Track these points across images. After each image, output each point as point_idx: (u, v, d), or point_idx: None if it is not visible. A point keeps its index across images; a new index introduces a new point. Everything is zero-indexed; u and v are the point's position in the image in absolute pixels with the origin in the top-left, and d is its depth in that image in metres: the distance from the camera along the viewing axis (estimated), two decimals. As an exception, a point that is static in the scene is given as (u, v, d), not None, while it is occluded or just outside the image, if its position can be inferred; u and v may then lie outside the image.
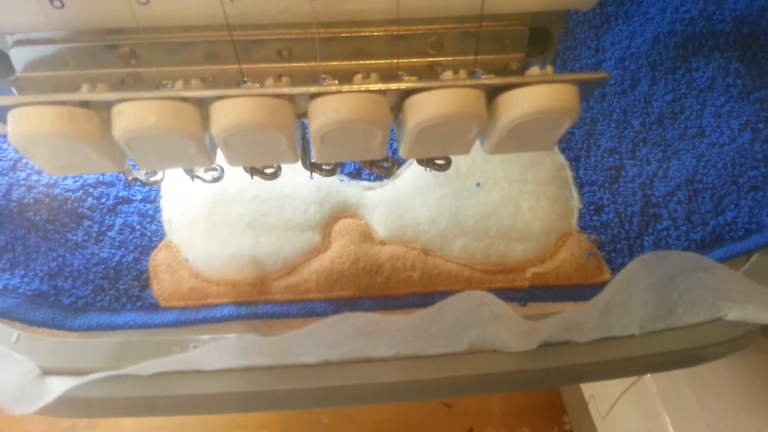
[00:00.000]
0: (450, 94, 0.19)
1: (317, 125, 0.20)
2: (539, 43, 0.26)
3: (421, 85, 0.20)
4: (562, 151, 0.39)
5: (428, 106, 0.19)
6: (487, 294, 0.27)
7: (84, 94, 0.19)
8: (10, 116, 0.19)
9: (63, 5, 0.22)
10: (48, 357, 0.30)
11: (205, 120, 0.20)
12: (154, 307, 0.33)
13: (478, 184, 0.37)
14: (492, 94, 0.20)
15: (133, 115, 0.18)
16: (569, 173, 0.38)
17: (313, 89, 0.20)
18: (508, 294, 0.33)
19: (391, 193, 0.37)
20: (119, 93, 0.19)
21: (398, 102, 0.21)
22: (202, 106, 0.20)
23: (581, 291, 0.34)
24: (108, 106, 0.19)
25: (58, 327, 0.33)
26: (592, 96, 0.39)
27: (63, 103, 0.19)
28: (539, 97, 0.19)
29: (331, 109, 0.19)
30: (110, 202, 0.36)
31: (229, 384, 0.29)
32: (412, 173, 0.38)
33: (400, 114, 0.21)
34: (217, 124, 0.19)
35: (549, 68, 0.21)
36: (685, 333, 0.30)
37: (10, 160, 0.37)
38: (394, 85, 0.20)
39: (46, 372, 0.30)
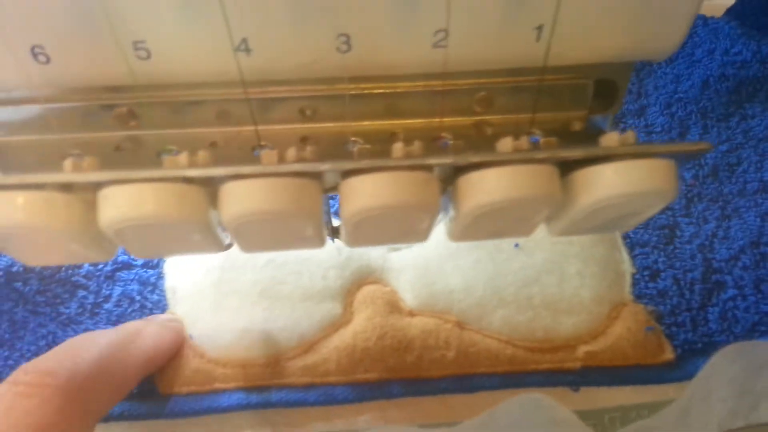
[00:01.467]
0: (518, 173, 0.15)
1: (351, 211, 0.16)
2: (603, 97, 0.22)
3: (479, 159, 0.16)
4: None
5: (491, 187, 0.15)
6: (543, 397, 0.23)
7: (64, 174, 0.16)
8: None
9: (48, 60, 0.18)
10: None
11: (213, 201, 0.16)
12: (153, 394, 0.29)
13: (517, 245, 0.33)
14: (564, 167, 0.17)
15: (122, 202, 0.15)
16: (617, 233, 0.34)
17: (346, 165, 0.16)
18: (556, 377, 0.29)
19: (420, 256, 0.33)
20: (107, 173, 0.15)
21: (447, 174, 0.18)
22: (211, 184, 0.16)
23: (641, 372, 0.29)
24: (95, 187, 0.16)
25: (44, 415, 0.29)
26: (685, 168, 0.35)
27: (38, 186, 0.15)
28: (631, 176, 0.15)
29: (368, 191, 0.15)
30: (108, 268, 0.33)
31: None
32: (442, 232, 0.34)
33: (450, 189, 0.18)
34: (227, 211, 0.15)
35: (630, 134, 0.17)
36: (768, 429, 0.26)
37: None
38: (446, 160, 0.16)
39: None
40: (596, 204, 0.16)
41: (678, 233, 0.34)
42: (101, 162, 0.17)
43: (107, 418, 0.28)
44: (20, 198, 0.15)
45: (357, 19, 0.18)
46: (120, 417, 0.28)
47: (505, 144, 0.17)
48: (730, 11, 0.44)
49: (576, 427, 0.22)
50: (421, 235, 0.18)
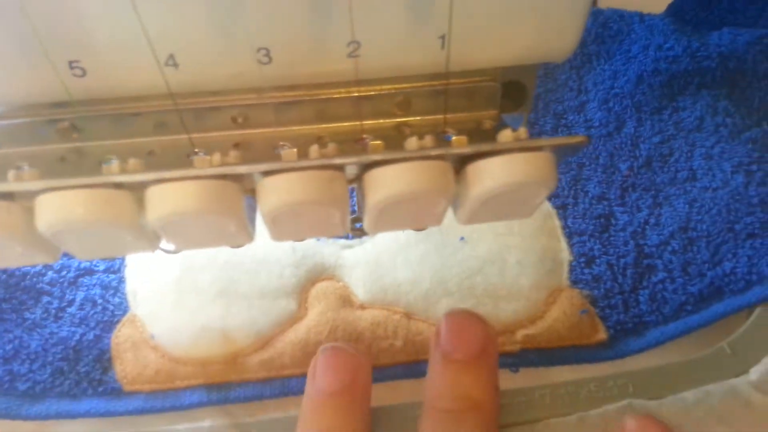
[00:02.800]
0: (412, 169, 0.17)
1: (267, 208, 0.17)
2: (514, 97, 0.24)
3: (378, 157, 0.18)
4: (549, 198, 0.37)
5: (388, 183, 0.17)
6: None
7: (6, 184, 0.17)
8: None
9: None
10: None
11: (141, 205, 0.18)
12: (118, 391, 0.30)
13: (462, 239, 0.35)
14: (462, 161, 0.19)
15: (56, 208, 0.16)
16: (557, 222, 0.36)
17: (263, 167, 0.18)
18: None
19: (371, 252, 0.35)
20: (42, 182, 0.17)
21: (360, 173, 0.19)
22: (140, 189, 0.18)
23: (575, 353, 0.31)
24: (31, 195, 0.17)
25: (12, 416, 0.30)
26: (570, 158, 0.37)
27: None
28: (510, 168, 0.17)
29: (282, 189, 0.17)
30: (71, 274, 0.34)
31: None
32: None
33: (362, 186, 0.19)
34: (151, 212, 0.17)
35: (522, 131, 0.19)
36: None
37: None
38: (349, 160, 0.18)
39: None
40: (485, 194, 0.18)
41: (613, 222, 0.36)
42: (45, 173, 0.19)
43: (73, 415, 0.30)
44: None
45: (275, 34, 0.20)
46: (86, 414, 0.30)
47: (411, 142, 0.19)
48: (669, 7, 0.47)
49: None
50: (338, 229, 0.20)
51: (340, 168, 0.18)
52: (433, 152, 0.18)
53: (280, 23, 0.20)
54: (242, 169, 0.17)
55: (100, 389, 0.31)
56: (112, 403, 0.30)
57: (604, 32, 0.45)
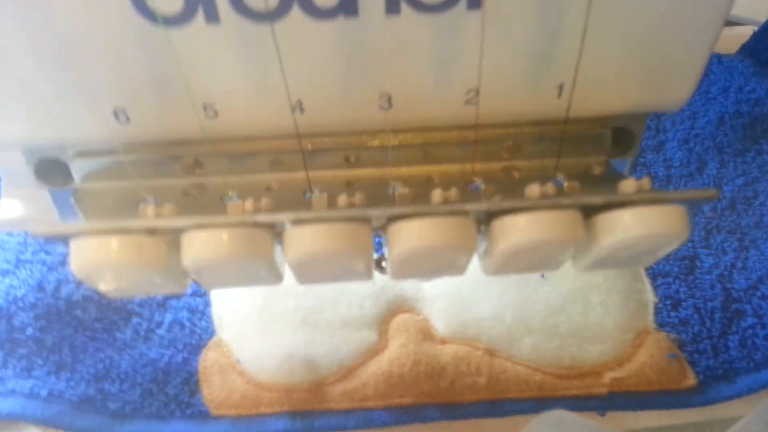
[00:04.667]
0: (546, 218, 0.17)
1: (397, 251, 0.18)
2: (622, 143, 0.24)
3: (510, 205, 0.18)
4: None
5: (522, 230, 0.18)
6: (568, 414, 0.25)
7: (151, 220, 0.18)
8: (73, 246, 0.17)
9: (129, 120, 0.21)
10: (94, 473, 0.28)
11: (276, 242, 0.19)
12: (205, 415, 0.31)
13: (542, 276, 0.35)
14: (587, 211, 0.19)
15: (205, 244, 0.17)
16: (639, 264, 0.36)
17: (395, 211, 0.18)
18: (584, 402, 0.31)
19: (451, 286, 0.35)
20: (188, 218, 0.18)
21: (481, 217, 0.20)
22: (275, 228, 0.19)
23: (664, 397, 0.31)
24: (174, 230, 0.18)
25: (104, 435, 0.31)
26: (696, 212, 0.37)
27: (128, 230, 0.18)
28: (647, 220, 0.17)
29: (415, 234, 0.18)
30: (160, 297, 0.35)
31: None
32: (473, 263, 0.36)
33: (484, 230, 0.20)
34: (291, 251, 0.18)
35: (645, 181, 0.19)
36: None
37: (60, 254, 0.36)
38: (481, 206, 0.18)
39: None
40: (616, 245, 0.18)
41: (698, 264, 0.35)
42: (178, 208, 0.20)
43: (162, 437, 0.30)
44: (116, 242, 0.17)
45: (397, 81, 0.21)
46: (174, 437, 0.30)
47: (533, 190, 0.19)
48: (743, 48, 0.46)
49: None
50: (459, 270, 0.20)
51: (467, 214, 0.19)
52: (564, 201, 0.18)
53: (403, 70, 0.20)
54: (375, 212, 0.18)
55: (188, 412, 0.31)
56: (200, 426, 0.31)
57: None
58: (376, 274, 0.36)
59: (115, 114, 0.21)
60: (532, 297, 0.34)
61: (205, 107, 0.21)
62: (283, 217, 0.18)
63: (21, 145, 0.23)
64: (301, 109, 0.21)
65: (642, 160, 0.41)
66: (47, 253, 0.36)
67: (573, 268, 0.20)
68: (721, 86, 0.42)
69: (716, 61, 0.44)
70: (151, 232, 0.18)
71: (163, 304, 0.35)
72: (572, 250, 0.18)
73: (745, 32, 0.47)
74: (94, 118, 0.21)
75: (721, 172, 0.39)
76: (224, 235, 0.17)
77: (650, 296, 0.34)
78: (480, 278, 0.35)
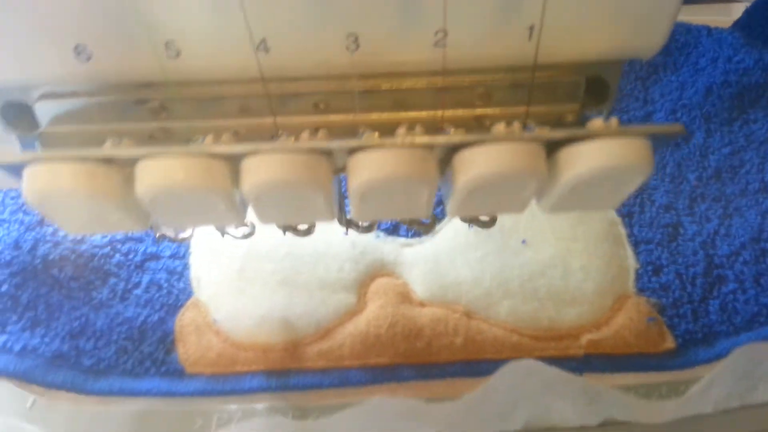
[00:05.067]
0: (507, 150, 0.17)
1: (357, 182, 0.18)
2: (595, 94, 0.24)
3: (473, 138, 0.18)
4: (613, 206, 0.37)
5: (482, 162, 0.17)
6: (534, 362, 0.25)
7: (106, 150, 0.18)
8: (25, 173, 0.17)
9: (90, 58, 0.21)
10: (63, 427, 0.28)
11: (235, 177, 0.18)
12: (180, 373, 0.31)
13: (524, 242, 0.35)
14: (551, 148, 0.18)
15: (158, 172, 0.17)
16: (622, 230, 0.35)
17: (353, 143, 0.18)
18: (561, 363, 0.30)
19: (431, 251, 0.35)
20: (143, 148, 0.17)
21: (446, 157, 0.19)
22: (233, 162, 0.18)
23: (642, 360, 0.31)
24: (131, 162, 0.18)
25: (77, 390, 0.31)
26: (663, 149, 0.37)
27: (82, 159, 0.17)
28: (609, 152, 0.17)
29: (374, 165, 0.17)
30: (138, 258, 0.35)
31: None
32: (452, 229, 0.36)
33: (448, 170, 0.19)
34: (248, 181, 0.17)
35: (614, 120, 0.19)
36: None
37: (38, 214, 0.36)
38: (443, 139, 0.18)
39: (62, 443, 0.28)
40: (579, 177, 0.17)
41: (681, 231, 0.35)
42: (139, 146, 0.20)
43: (135, 393, 0.30)
44: (66, 168, 0.17)
45: (364, 20, 0.20)
46: (147, 393, 0.30)
47: (498, 128, 0.19)
48: (736, 24, 0.46)
49: (567, 382, 0.24)
50: (422, 210, 0.20)
51: (429, 148, 0.18)
52: (526, 135, 0.18)
53: (369, 9, 0.20)
54: (335, 144, 0.18)
55: (163, 369, 0.31)
56: (174, 384, 0.31)
57: (671, 44, 0.44)
58: (358, 237, 0.36)
59: (77, 50, 0.20)
60: (512, 262, 0.34)
61: (166, 45, 0.20)
62: (241, 148, 0.17)
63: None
64: (266, 49, 0.20)
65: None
66: (26, 213, 0.36)
67: (538, 208, 0.20)
68: (710, 57, 0.42)
69: (706, 33, 0.44)
70: (108, 162, 0.18)
71: (141, 265, 0.35)
72: (535, 185, 0.18)
73: (739, 9, 0.47)
74: (55, 55, 0.20)
75: (708, 141, 0.39)
76: (177, 162, 0.17)
77: (632, 262, 0.34)
78: (460, 244, 0.35)
